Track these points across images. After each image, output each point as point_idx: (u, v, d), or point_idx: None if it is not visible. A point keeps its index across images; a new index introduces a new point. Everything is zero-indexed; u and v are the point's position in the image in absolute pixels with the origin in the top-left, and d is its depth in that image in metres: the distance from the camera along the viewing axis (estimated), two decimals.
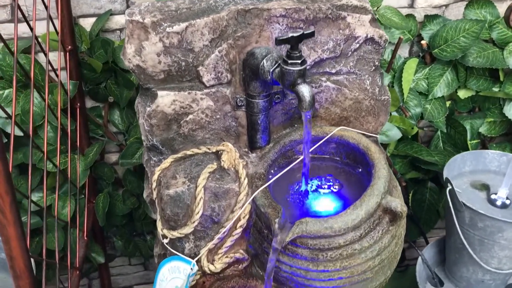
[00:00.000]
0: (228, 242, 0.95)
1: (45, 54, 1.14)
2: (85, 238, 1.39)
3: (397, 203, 0.87)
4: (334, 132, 0.99)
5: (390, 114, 1.50)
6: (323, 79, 0.99)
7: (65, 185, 1.47)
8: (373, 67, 1.00)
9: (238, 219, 0.93)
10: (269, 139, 1.00)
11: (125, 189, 1.51)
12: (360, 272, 0.89)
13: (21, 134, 1.32)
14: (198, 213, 0.91)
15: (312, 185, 0.98)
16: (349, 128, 1.01)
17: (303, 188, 0.96)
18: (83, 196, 1.48)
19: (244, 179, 0.92)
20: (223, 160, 0.94)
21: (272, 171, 0.98)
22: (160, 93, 0.93)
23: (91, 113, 1.44)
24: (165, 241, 1.00)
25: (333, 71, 0.98)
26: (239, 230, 0.94)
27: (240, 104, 0.96)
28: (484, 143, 1.70)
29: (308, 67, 0.96)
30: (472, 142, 1.66)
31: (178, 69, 0.92)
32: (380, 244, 0.89)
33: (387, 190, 0.89)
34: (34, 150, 1.37)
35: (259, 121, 0.96)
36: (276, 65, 0.85)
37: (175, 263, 0.97)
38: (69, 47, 1.29)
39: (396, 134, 1.46)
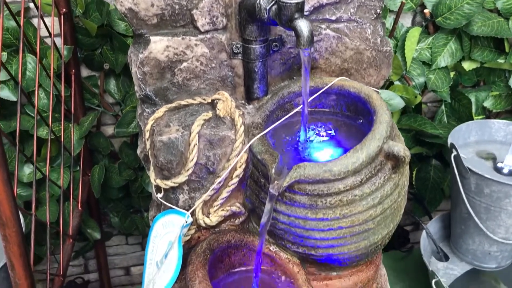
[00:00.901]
0: (224, 194, 0.91)
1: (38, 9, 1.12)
2: (80, 208, 1.35)
3: (400, 147, 0.83)
4: (334, 82, 0.95)
5: (393, 83, 1.47)
6: (323, 26, 0.95)
7: (60, 157, 1.44)
8: (375, 15, 0.97)
9: (234, 169, 0.90)
10: (266, 90, 0.97)
11: (121, 161, 1.47)
12: (361, 222, 0.85)
13: (14, 99, 1.29)
14: (192, 160, 0.87)
15: (311, 135, 0.94)
16: (349, 79, 0.98)
17: (302, 137, 0.93)
18: (78, 168, 1.44)
19: (240, 126, 0.89)
20: (218, 109, 0.91)
21: (269, 122, 0.94)
22: (153, 38, 0.90)
23: (86, 82, 1.41)
24: (159, 195, 0.96)
25: (333, 18, 0.95)
26: (235, 180, 0.90)
27: (236, 51, 0.93)
28: (489, 119, 1.66)
29: (307, 13, 0.93)
30: (477, 117, 1.62)
31: (171, 12, 0.89)
32: (382, 192, 0.85)
33: (389, 135, 0.85)
34: (27, 117, 1.34)
35: (256, 69, 0.93)
36: (272, 2, 0.82)
37: (169, 217, 0.93)
38: (64, 10, 1.26)
39: (399, 103, 1.42)
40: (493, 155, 1.36)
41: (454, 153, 1.27)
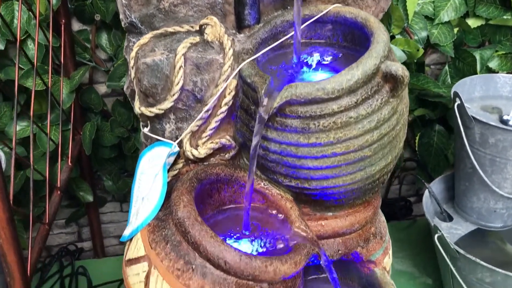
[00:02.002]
0: (213, 124, 0.87)
1: None
2: (69, 163, 1.31)
3: (398, 66, 0.78)
4: (330, 9, 0.90)
5: (394, 37, 1.42)
6: None
7: (51, 114, 1.40)
8: None
9: (223, 96, 0.85)
10: (258, 18, 0.92)
11: (114, 119, 1.43)
12: (356, 148, 0.80)
13: (1, 48, 1.26)
14: (178, 84, 0.82)
15: (306, 65, 0.89)
16: (345, 6, 0.93)
17: (295, 66, 0.88)
18: (69, 127, 1.40)
19: (229, 49, 0.84)
20: (206, 33, 0.86)
21: (261, 49, 0.89)
22: None
23: (78, 35, 1.37)
24: (146, 130, 0.91)
25: None
26: (224, 109, 0.85)
27: None
28: None
29: None
30: None
31: None
32: (379, 115, 0.80)
33: (387, 56, 0.80)
34: (14, 68, 1.29)
35: None
36: None
37: (155, 151, 0.89)
38: None
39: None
40: (499, 109, 1.31)
41: (458, 102, 1.21)
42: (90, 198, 1.52)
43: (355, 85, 0.76)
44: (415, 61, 1.46)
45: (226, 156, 0.90)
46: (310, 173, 0.84)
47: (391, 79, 0.79)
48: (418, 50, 1.39)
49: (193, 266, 0.73)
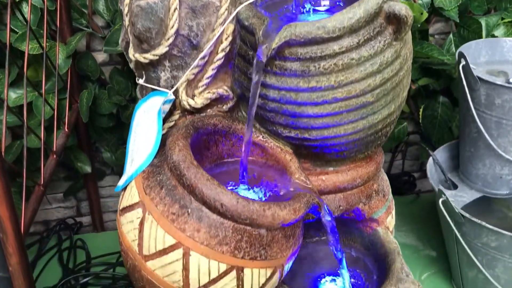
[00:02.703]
0: (210, 72, 0.84)
1: None
2: (66, 130, 1.28)
3: (401, 6, 0.75)
4: None
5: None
6: None
7: (48, 82, 1.37)
8: None
9: (220, 42, 0.82)
10: None
11: (111, 86, 1.40)
12: (358, 92, 0.77)
13: None
14: (172, 27, 0.79)
15: (305, 5, 0.86)
16: None
17: (294, 5, 0.85)
18: (66, 97, 1.37)
19: None
20: None
21: None
22: None
23: (74, 0, 1.34)
24: (141, 81, 0.89)
25: None
26: (221, 55, 0.83)
27: None
28: None
29: None
30: None
31: None
32: (382, 58, 0.77)
33: None
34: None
35: None
36: None
37: (150, 102, 0.86)
38: None
39: None
40: (505, 73, 1.28)
41: (463, 63, 1.18)
42: (88, 169, 1.49)
43: (356, 24, 0.73)
44: (419, 27, 1.43)
45: (224, 107, 0.88)
46: (310, 122, 0.81)
47: (394, 20, 0.76)
48: (422, 13, 1.35)
49: (189, 210, 0.70)
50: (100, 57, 1.45)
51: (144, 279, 0.74)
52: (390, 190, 1.03)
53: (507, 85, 1.12)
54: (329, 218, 0.84)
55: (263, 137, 0.88)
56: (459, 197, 1.31)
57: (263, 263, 0.73)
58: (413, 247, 1.56)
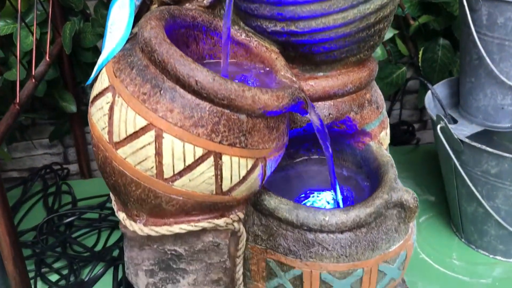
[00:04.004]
0: None
1: None
2: (47, 59, 1.22)
3: None
4: None
5: None
6: None
7: (30, 13, 1.32)
8: None
9: None
10: None
11: (95, 18, 1.34)
12: None
13: None
14: None
15: None
16: None
17: None
18: (47, 31, 1.31)
19: None
20: None
21: None
22: None
23: None
24: None
25: None
26: None
27: None
28: None
29: None
30: None
31: None
32: None
33: None
34: None
35: None
36: None
37: None
38: None
39: None
40: None
41: None
42: (73, 108, 1.44)
43: None
44: None
45: (204, 2, 0.82)
46: (297, 10, 0.75)
47: None
48: None
49: (161, 90, 0.65)
50: None
51: (116, 171, 0.69)
52: (385, 106, 0.98)
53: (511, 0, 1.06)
54: (316, 118, 0.78)
55: (247, 35, 0.82)
56: (459, 131, 1.25)
57: (243, 152, 0.67)
58: None
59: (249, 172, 0.70)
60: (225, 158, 0.67)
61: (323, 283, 0.80)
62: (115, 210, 0.77)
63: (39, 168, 1.56)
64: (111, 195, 0.80)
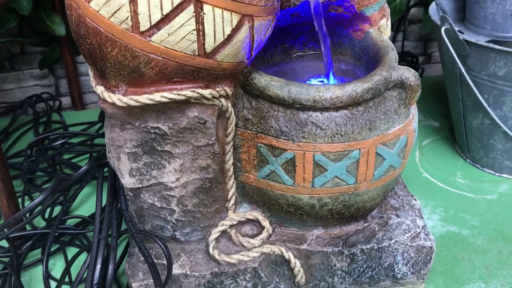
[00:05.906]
0: None
1: None
2: None
3: None
4: None
5: None
6: None
7: None
8: None
9: None
10: None
11: None
12: None
13: None
14: None
15: None
16: None
17: None
18: None
19: None
20: None
21: None
22: None
23: None
24: None
25: None
26: None
27: None
28: None
29: None
30: None
31: None
32: None
33: None
34: None
35: None
36: None
37: None
38: None
39: None
40: None
41: None
42: (62, 30, 1.38)
43: None
44: None
45: None
46: None
47: None
48: None
49: None
50: None
51: (90, 30, 0.63)
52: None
53: None
54: None
55: None
56: None
57: (228, 3, 0.62)
58: None
59: (235, 31, 0.64)
60: (207, 9, 0.61)
61: (317, 166, 0.75)
62: (93, 86, 0.72)
63: (28, 96, 1.51)
64: (89, 71, 0.75)
